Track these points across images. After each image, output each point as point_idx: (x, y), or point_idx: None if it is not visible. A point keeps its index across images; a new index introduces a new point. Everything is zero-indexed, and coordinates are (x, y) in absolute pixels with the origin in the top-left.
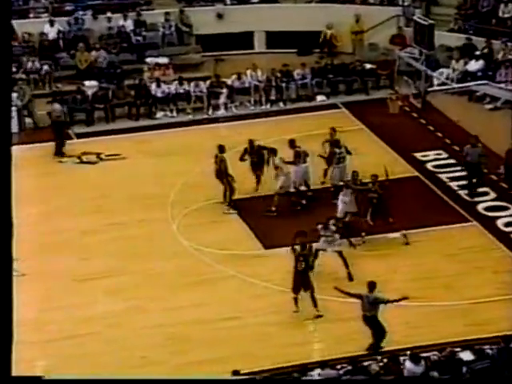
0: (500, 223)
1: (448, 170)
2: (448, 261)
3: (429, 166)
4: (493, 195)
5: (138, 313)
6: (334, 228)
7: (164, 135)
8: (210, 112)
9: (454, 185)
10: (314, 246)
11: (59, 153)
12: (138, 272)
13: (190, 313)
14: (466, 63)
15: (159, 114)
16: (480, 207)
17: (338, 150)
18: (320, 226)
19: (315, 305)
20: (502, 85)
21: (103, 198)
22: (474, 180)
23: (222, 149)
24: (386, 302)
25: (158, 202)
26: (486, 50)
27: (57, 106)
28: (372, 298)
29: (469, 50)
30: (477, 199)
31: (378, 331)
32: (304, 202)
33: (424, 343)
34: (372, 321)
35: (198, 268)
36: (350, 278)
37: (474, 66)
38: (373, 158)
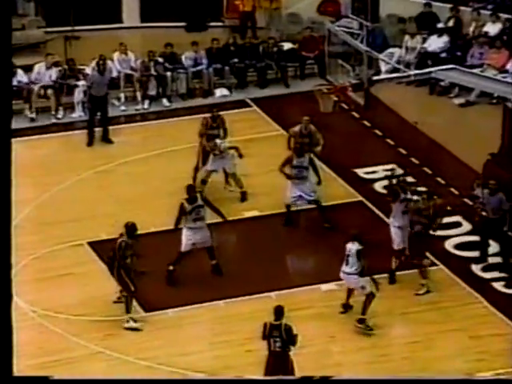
0: (476, 267)
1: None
2: (406, 321)
3: (376, 186)
4: (467, 226)
5: None
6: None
7: None
8: (61, 114)
9: None
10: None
11: None
12: None
13: None
14: (424, 40)
15: None
16: (448, 244)
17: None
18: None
19: None
20: (476, 70)
21: None
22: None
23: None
24: None
25: None
26: (451, 22)
27: None
28: None
29: (428, 21)
30: (446, 233)
31: None
32: None
33: None
34: None
35: (48, 343)
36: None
37: (435, 43)
38: None
